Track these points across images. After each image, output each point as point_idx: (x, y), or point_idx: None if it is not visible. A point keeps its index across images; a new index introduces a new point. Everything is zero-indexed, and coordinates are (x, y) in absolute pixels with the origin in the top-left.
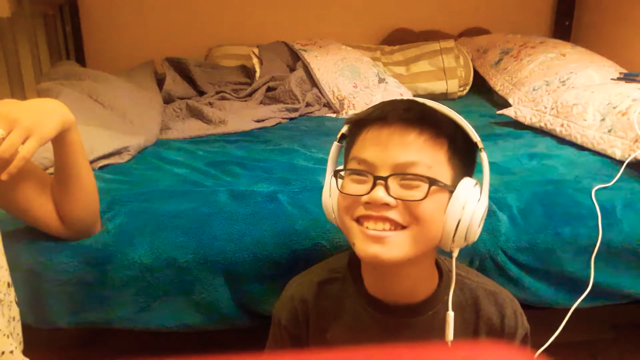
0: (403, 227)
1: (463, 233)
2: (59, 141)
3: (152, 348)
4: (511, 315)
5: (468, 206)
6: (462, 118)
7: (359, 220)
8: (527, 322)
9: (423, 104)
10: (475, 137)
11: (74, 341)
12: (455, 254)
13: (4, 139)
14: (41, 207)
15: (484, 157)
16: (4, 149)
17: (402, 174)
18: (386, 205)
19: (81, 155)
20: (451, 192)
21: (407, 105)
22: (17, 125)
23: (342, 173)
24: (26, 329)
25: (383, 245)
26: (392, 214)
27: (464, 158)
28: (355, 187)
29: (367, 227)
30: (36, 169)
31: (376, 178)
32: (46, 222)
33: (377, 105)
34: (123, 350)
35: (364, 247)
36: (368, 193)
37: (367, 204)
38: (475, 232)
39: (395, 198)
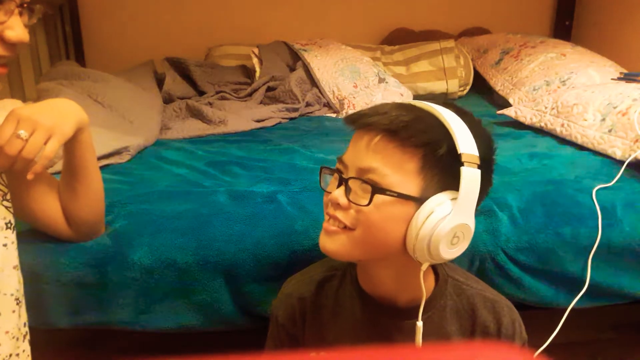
0: (352, 229)
1: (423, 246)
2: (73, 141)
3: (152, 349)
4: (509, 325)
5: (430, 220)
6: (460, 125)
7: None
8: (525, 333)
9: (407, 109)
10: (462, 148)
11: (74, 342)
12: (423, 267)
13: (27, 140)
14: (48, 208)
15: (463, 172)
16: (28, 150)
17: (358, 178)
18: (338, 205)
19: (91, 155)
20: (419, 203)
21: (386, 110)
22: (39, 127)
23: (330, 171)
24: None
25: (330, 238)
26: (340, 214)
27: (449, 169)
28: (331, 185)
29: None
30: (43, 171)
31: (341, 179)
32: (53, 224)
33: (370, 107)
34: (123, 351)
35: (320, 238)
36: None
37: (329, 201)
38: (441, 249)
39: (350, 200)
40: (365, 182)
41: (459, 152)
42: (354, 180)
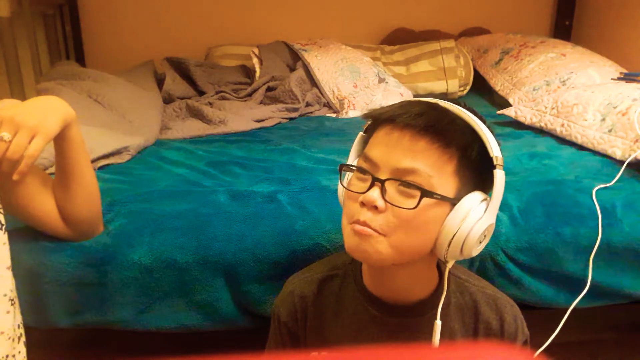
0: (383, 234)
1: (458, 246)
2: (61, 137)
3: (152, 348)
4: (511, 321)
5: (467, 222)
6: (486, 128)
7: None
8: (527, 329)
9: (441, 110)
10: (493, 151)
11: (74, 341)
12: (449, 265)
13: (11, 141)
14: (44, 207)
15: (497, 175)
16: (12, 150)
17: (398, 179)
18: (375, 208)
19: (82, 151)
20: (453, 204)
21: (423, 110)
22: (22, 127)
23: (352, 167)
24: (26, 329)
25: (367, 243)
26: (379, 218)
27: (478, 170)
28: (357, 185)
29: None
30: (37, 170)
31: (374, 179)
32: (49, 223)
33: (395, 104)
34: (123, 350)
35: (349, 241)
36: (365, 192)
37: (362, 203)
38: (472, 248)
39: (388, 202)
40: (409, 184)
41: (491, 155)
42: (391, 182)
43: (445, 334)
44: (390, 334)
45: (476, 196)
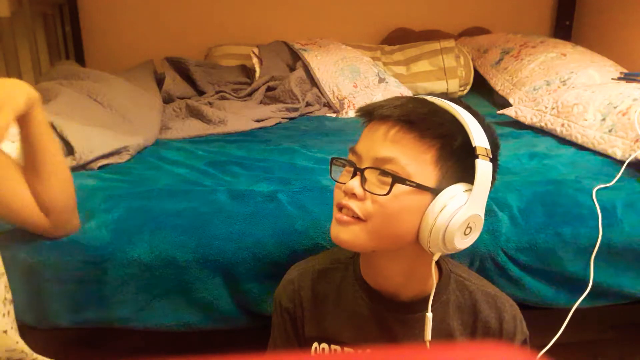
0: (363, 220)
1: (439, 237)
2: (25, 119)
3: (152, 348)
4: (510, 320)
5: (445, 211)
6: (472, 119)
7: (339, 207)
8: (526, 329)
9: (422, 102)
10: (476, 141)
11: (74, 341)
12: (435, 257)
13: None
14: (20, 199)
15: (478, 164)
16: None
17: (375, 168)
18: (354, 195)
19: (49, 133)
20: (434, 193)
21: (402, 102)
22: None
23: (342, 162)
24: (26, 328)
25: (344, 229)
26: (354, 204)
27: (465, 162)
28: (345, 176)
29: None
30: (9, 161)
31: (355, 169)
32: (27, 216)
33: (382, 100)
34: (123, 350)
35: (332, 230)
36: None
37: (344, 192)
38: (455, 239)
39: (366, 190)
40: (384, 171)
41: (473, 145)
42: (371, 171)
43: (444, 332)
44: (389, 329)
45: (458, 187)
